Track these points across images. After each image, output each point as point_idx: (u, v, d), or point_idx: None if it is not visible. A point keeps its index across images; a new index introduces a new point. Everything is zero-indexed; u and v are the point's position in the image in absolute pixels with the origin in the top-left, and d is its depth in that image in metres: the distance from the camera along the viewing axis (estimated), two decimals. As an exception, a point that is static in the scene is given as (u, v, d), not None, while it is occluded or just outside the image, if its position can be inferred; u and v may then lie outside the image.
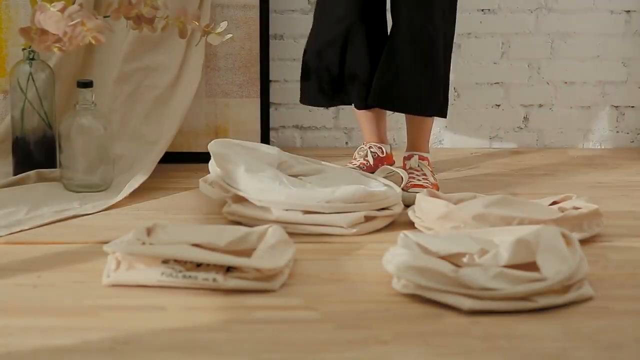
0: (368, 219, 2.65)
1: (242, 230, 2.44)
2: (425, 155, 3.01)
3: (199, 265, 2.31)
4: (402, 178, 2.90)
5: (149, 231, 2.43)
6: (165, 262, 2.30)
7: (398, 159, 3.18)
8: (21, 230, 2.63)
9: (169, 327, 2.07)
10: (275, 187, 2.64)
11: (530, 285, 2.18)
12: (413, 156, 2.98)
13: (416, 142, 3.02)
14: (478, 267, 2.21)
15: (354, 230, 2.63)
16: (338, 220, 2.61)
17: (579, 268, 2.25)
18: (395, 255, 2.27)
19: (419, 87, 2.91)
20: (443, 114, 3.01)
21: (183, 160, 3.26)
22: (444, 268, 2.20)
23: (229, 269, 2.30)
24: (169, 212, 2.80)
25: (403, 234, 2.38)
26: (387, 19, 3.01)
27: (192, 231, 2.44)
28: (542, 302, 2.17)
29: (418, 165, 2.95)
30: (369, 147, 3.08)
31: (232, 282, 2.26)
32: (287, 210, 2.63)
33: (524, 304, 2.17)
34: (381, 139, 3.11)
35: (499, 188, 3.04)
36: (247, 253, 2.35)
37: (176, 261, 2.30)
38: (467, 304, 2.15)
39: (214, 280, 2.26)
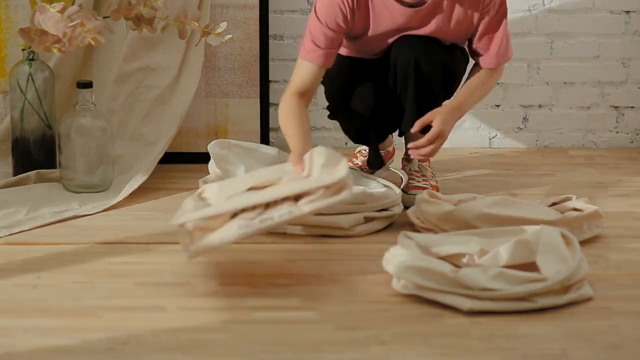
0: (368, 219, 2.65)
1: (286, 165, 2.47)
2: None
3: (267, 207, 2.29)
4: (401, 179, 2.90)
5: (201, 196, 2.42)
6: (234, 216, 2.28)
7: (398, 159, 3.18)
8: (21, 231, 2.63)
9: (168, 327, 2.07)
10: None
11: (530, 285, 2.18)
12: (413, 159, 2.98)
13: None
14: (478, 268, 2.21)
15: (354, 231, 2.63)
16: (338, 221, 2.61)
17: (579, 268, 2.25)
18: (394, 256, 2.27)
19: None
20: None
21: (183, 160, 3.26)
22: (443, 268, 2.20)
23: (296, 199, 2.30)
24: (168, 213, 2.80)
25: (403, 234, 2.38)
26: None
27: (240, 180, 2.44)
28: (542, 302, 2.17)
29: (418, 167, 2.95)
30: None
31: (307, 206, 2.27)
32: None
33: (524, 305, 2.17)
34: (384, 147, 3.12)
35: (499, 188, 3.04)
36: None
37: (243, 211, 2.28)
38: (466, 304, 2.15)
39: (290, 212, 2.27)
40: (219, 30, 2.88)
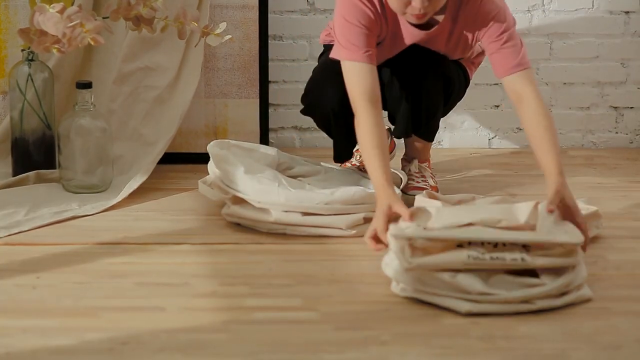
0: (367, 220, 2.65)
1: (504, 208, 2.40)
2: (427, 159, 3.00)
3: (495, 246, 2.27)
4: (401, 179, 2.90)
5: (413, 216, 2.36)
6: (460, 246, 2.25)
7: (398, 160, 3.18)
8: (20, 232, 2.62)
9: (168, 327, 2.07)
10: (274, 189, 2.64)
11: (528, 290, 2.18)
12: (413, 160, 2.97)
13: (417, 154, 3.01)
14: (475, 274, 2.21)
15: (353, 231, 2.63)
16: (337, 222, 2.61)
17: (577, 274, 2.25)
18: (393, 259, 2.27)
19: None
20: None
21: (182, 161, 3.26)
22: (441, 274, 2.20)
23: (524, 247, 2.27)
24: (167, 213, 2.80)
25: (391, 235, 2.31)
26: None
27: (457, 211, 2.39)
28: (540, 304, 2.17)
29: (418, 168, 2.94)
30: None
31: (540, 260, 2.23)
32: (286, 211, 2.63)
33: (522, 307, 2.17)
34: None
35: (499, 189, 3.05)
36: (524, 227, 2.32)
37: (470, 244, 2.26)
38: (465, 307, 2.15)
39: (522, 260, 2.23)
40: (218, 31, 2.88)
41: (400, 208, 2.36)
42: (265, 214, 2.64)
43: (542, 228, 2.29)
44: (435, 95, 2.81)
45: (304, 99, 2.90)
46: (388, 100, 2.83)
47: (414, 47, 2.78)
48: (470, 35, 2.75)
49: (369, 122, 2.54)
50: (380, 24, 2.68)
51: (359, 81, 2.59)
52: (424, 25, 2.70)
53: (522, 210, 2.37)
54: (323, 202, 2.62)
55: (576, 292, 2.23)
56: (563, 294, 2.21)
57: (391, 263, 2.26)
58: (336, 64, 2.72)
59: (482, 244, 2.26)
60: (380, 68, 2.79)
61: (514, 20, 2.74)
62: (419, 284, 2.20)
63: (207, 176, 2.79)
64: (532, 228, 2.32)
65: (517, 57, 2.69)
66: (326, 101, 2.81)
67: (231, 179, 2.70)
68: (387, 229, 2.33)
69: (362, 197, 2.64)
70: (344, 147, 2.96)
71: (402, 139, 2.96)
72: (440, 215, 2.34)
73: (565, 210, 2.39)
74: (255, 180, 2.66)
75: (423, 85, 2.78)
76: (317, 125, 3.00)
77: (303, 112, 2.96)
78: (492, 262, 2.22)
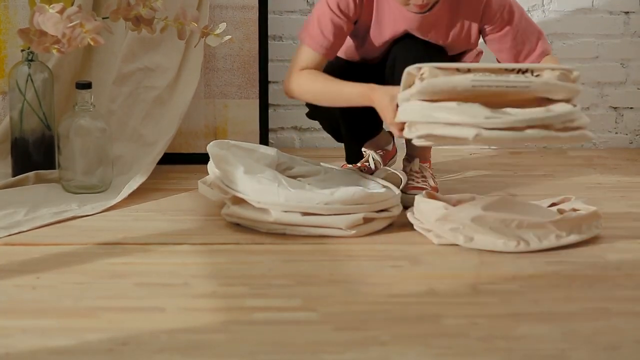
0: (367, 220, 2.65)
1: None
2: (427, 159, 3.00)
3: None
4: (401, 179, 2.90)
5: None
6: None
7: (399, 161, 3.18)
8: (20, 232, 2.63)
9: (168, 328, 2.07)
10: (274, 189, 2.64)
11: (535, 112, 2.26)
12: (414, 159, 2.97)
13: (418, 153, 3.01)
14: (480, 104, 2.34)
15: (353, 231, 2.63)
16: (337, 222, 2.61)
17: (582, 114, 2.38)
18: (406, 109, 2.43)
19: None
20: None
21: (182, 161, 3.26)
22: (448, 103, 2.30)
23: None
24: (167, 214, 2.80)
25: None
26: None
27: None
28: (545, 133, 2.32)
29: (418, 168, 2.94)
30: (370, 153, 3.06)
31: (543, 77, 2.40)
32: (286, 211, 2.63)
33: (529, 133, 2.24)
34: (381, 147, 3.11)
35: (499, 189, 3.05)
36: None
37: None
38: (471, 132, 2.17)
39: (526, 77, 2.38)
40: (218, 31, 2.88)
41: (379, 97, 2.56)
42: (265, 214, 2.64)
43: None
44: None
45: (309, 104, 2.92)
46: None
47: (415, 40, 2.79)
48: (473, 28, 2.76)
49: (309, 74, 2.73)
50: (362, 9, 2.74)
51: (306, 64, 2.76)
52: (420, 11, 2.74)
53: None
54: (323, 202, 2.62)
55: (580, 131, 2.33)
56: (567, 129, 2.29)
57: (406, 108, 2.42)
58: (338, 68, 2.76)
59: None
60: (380, 62, 2.85)
61: (520, 13, 2.77)
62: (429, 116, 2.29)
63: (207, 176, 2.79)
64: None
65: (520, 54, 2.77)
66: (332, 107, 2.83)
67: (231, 179, 2.70)
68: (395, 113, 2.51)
69: (362, 197, 2.64)
70: (355, 147, 2.99)
71: (404, 139, 2.97)
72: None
73: None
74: (255, 181, 2.66)
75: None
76: (324, 129, 3.01)
77: (309, 115, 2.98)
78: (497, 80, 2.34)
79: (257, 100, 3.30)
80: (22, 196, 2.86)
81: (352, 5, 2.75)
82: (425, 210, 2.63)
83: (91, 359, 1.94)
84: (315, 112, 2.97)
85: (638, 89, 3.56)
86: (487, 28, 2.79)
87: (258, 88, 3.29)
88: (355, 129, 2.99)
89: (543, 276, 2.37)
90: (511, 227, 2.53)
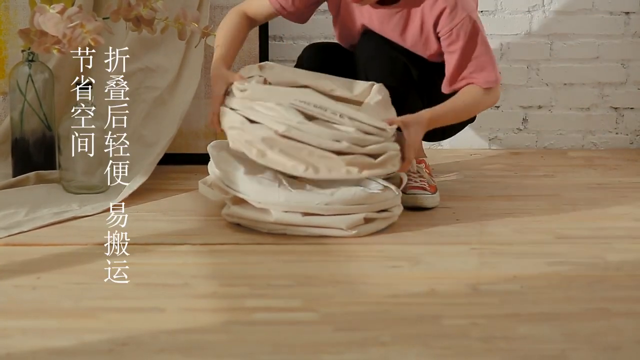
0: (367, 220, 2.65)
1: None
2: (421, 158, 3.00)
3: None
4: (401, 180, 2.90)
5: (261, 67, 2.77)
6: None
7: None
8: (20, 232, 2.63)
9: (167, 328, 2.07)
10: (275, 189, 2.64)
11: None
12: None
13: None
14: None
15: (354, 232, 2.63)
16: (337, 222, 2.61)
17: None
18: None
19: None
20: None
21: (182, 161, 3.26)
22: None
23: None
24: (167, 214, 2.80)
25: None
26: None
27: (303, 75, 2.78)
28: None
29: (416, 169, 2.94)
30: None
31: (353, 121, 2.61)
32: (286, 212, 2.63)
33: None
34: None
35: (499, 189, 3.05)
36: (352, 100, 2.73)
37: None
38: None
39: (340, 116, 2.61)
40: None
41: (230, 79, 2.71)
42: (266, 214, 2.64)
43: (366, 107, 2.67)
44: (399, 85, 2.84)
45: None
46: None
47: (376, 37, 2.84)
48: (432, 34, 2.77)
49: (234, 20, 2.86)
50: None
51: (256, 10, 2.89)
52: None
53: (358, 85, 2.75)
54: (323, 203, 2.62)
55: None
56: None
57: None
58: (336, 51, 2.93)
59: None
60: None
61: (474, 31, 2.74)
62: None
63: (207, 177, 2.79)
64: (358, 103, 2.71)
65: (461, 70, 2.79)
66: (307, 66, 2.93)
67: (231, 179, 2.70)
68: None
69: (362, 198, 2.64)
70: None
71: None
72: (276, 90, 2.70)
73: (401, 137, 2.68)
74: (255, 181, 2.66)
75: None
76: None
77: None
78: (314, 110, 2.59)
79: (258, 101, 3.29)
80: (23, 196, 2.86)
81: None
82: (226, 120, 2.72)
83: (91, 360, 1.95)
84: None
85: (638, 89, 3.56)
86: (440, 37, 2.79)
87: (258, 88, 3.29)
88: None
89: (543, 276, 2.37)
90: (302, 153, 2.59)
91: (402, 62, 2.83)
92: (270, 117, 2.62)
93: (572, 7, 3.50)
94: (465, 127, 3.55)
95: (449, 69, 2.80)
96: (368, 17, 2.83)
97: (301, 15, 2.89)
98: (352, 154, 2.60)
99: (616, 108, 3.57)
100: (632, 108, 3.57)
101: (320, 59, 2.93)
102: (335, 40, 3.02)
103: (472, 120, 2.96)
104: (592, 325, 2.11)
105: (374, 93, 2.72)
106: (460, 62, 2.77)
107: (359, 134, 2.60)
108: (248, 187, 2.66)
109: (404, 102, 2.80)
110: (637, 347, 2.03)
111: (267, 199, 2.63)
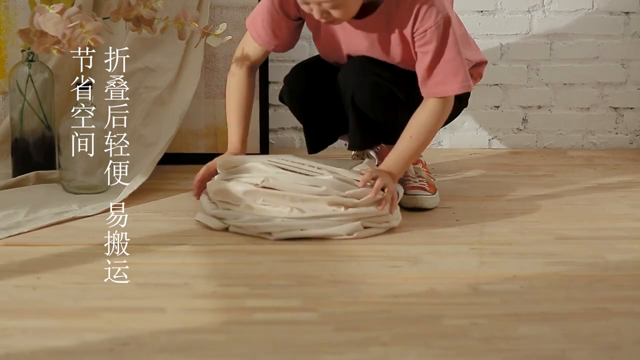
0: (366, 227, 2.64)
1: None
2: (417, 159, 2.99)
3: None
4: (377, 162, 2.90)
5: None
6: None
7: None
8: (20, 233, 2.62)
9: (168, 328, 2.07)
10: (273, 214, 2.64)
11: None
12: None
13: None
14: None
15: (354, 235, 2.62)
16: (338, 232, 2.60)
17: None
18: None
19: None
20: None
21: (182, 161, 3.26)
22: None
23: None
24: (167, 214, 2.80)
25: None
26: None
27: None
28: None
29: (414, 171, 2.92)
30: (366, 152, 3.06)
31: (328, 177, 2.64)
32: (286, 219, 2.61)
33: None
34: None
35: (498, 189, 3.05)
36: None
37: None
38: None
39: (318, 168, 2.67)
40: (218, 31, 2.88)
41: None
42: (266, 235, 2.62)
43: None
44: (378, 112, 2.81)
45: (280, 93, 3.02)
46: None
47: (357, 59, 2.80)
48: (409, 42, 2.72)
49: (240, 80, 2.87)
50: (304, 13, 2.73)
51: (247, 53, 2.87)
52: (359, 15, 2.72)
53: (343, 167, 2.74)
54: (317, 194, 2.61)
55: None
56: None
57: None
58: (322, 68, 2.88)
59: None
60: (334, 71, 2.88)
61: (447, 33, 2.67)
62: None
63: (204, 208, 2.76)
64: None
65: (430, 80, 2.70)
66: (293, 88, 2.92)
67: (224, 215, 2.68)
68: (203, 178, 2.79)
69: (334, 185, 2.64)
70: (317, 136, 3.01)
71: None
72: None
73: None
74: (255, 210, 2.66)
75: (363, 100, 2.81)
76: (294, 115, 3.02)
77: (280, 99, 3.03)
78: (292, 165, 2.67)
79: (257, 101, 3.30)
80: (23, 197, 2.86)
81: (292, 2, 2.77)
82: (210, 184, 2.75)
83: (91, 360, 1.95)
84: (283, 98, 3.02)
85: (638, 89, 3.56)
86: (415, 37, 2.71)
87: (258, 88, 3.29)
88: (320, 119, 2.98)
89: (543, 276, 2.37)
90: (285, 200, 2.61)
91: (387, 88, 2.78)
92: (248, 176, 2.67)
93: (572, 7, 3.50)
94: (465, 127, 3.56)
95: (420, 70, 2.71)
96: (349, 39, 2.78)
97: (288, 44, 2.86)
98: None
99: (616, 108, 3.57)
100: (632, 108, 3.57)
101: (305, 79, 2.91)
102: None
103: (464, 105, 2.92)
104: (592, 325, 2.11)
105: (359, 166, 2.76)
106: (432, 63, 2.68)
107: (338, 181, 2.63)
108: (247, 218, 2.64)
109: (393, 130, 2.80)
110: (637, 347, 2.03)
111: (266, 224, 2.61)
